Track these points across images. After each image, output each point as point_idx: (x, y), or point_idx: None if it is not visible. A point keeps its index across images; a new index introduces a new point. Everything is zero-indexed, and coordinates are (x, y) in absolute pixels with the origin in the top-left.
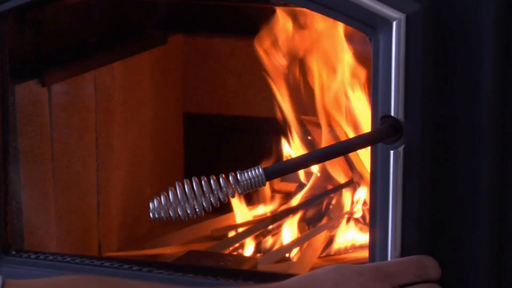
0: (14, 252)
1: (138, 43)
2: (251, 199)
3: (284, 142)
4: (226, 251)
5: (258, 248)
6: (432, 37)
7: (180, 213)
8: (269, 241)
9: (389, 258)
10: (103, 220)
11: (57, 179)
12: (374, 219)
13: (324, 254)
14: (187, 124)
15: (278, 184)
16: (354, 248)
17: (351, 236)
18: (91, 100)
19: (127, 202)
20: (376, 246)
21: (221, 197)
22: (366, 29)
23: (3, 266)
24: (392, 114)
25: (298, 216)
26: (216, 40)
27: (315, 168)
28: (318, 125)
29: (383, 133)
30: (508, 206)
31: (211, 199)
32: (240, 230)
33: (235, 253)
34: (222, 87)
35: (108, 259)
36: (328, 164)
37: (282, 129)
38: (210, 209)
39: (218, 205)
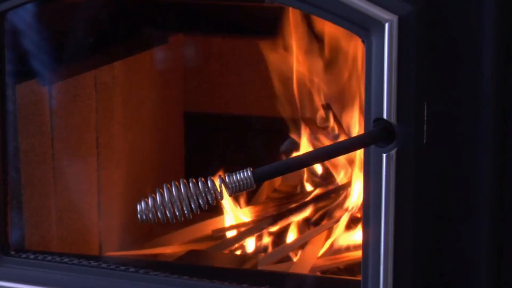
0: (13, 253)
1: (138, 42)
2: (251, 199)
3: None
4: (227, 251)
5: (258, 248)
6: (426, 38)
7: (168, 215)
8: (269, 241)
9: (382, 260)
10: (103, 219)
11: (57, 178)
12: (367, 221)
13: (324, 254)
14: (187, 123)
15: (279, 184)
16: (355, 248)
17: (351, 236)
18: (91, 100)
19: (128, 201)
20: (369, 247)
21: (209, 199)
22: (358, 30)
23: (2, 266)
24: (385, 117)
25: (298, 216)
26: (217, 39)
27: (317, 167)
28: (319, 125)
29: (375, 136)
30: (507, 207)
31: (200, 201)
32: (241, 230)
33: (235, 253)
34: (222, 86)
35: (105, 260)
36: (330, 163)
37: (283, 129)
38: (199, 212)
39: (207, 207)
